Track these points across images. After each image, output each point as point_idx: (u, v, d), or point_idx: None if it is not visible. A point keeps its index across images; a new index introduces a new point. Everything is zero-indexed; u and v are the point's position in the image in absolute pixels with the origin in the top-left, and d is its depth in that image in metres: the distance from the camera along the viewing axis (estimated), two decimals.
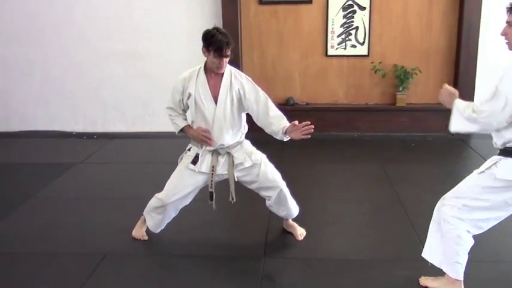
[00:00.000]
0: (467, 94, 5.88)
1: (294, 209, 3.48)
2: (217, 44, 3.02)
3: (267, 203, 3.44)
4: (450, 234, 2.67)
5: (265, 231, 3.63)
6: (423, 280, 2.91)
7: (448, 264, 2.72)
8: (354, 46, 6.03)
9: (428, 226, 3.57)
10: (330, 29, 6.01)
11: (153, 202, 3.40)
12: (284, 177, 3.42)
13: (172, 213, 3.42)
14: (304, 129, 3.09)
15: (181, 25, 6.14)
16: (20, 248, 3.48)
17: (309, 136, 3.08)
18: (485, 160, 5.00)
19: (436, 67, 6.03)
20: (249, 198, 3.91)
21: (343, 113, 6.11)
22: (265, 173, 3.30)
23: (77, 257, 3.33)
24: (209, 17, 6.04)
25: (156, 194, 3.39)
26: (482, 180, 2.66)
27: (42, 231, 3.72)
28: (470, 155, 5.46)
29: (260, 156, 3.35)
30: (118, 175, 4.97)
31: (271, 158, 5.22)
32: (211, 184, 3.26)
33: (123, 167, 5.22)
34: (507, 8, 2.55)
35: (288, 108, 6.10)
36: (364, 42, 6.01)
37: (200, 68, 3.22)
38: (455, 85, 5.96)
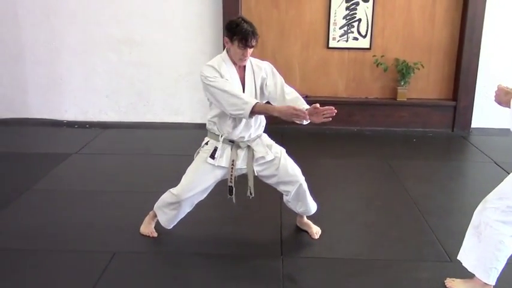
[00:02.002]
0: (468, 91, 5.89)
1: (312, 205, 3.38)
2: (243, 33, 2.88)
3: (285, 198, 3.34)
4: (492, 239, 2.59)
5: (279, 228, 3.52)
6: (449, 283, 2.84)
7: (484, 270, 2.65)
8: (355, 39, 5.93)
9: (444, 225, 3.58)
10: (332, 21, 5.90)
11: (167, 198, 3.25)
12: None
13: (187, 209, 3.28)
14: (326, 113, 2.89)
15: (178, 11, 5.94)
16: (24, 244, 3.30)
17: (330, 119, 2.90)
18: (487, 156, 5.01)
19: (437, 62, 5.99)
20: (259, 194, 3.80)
21: (343, 106, 5.96)
22: (285, 167, 3.18)
23: (85, 254, 3.17)
24: (208, 4, 5.88)
25: (170, 190, 3.23)
26: None
27: (44, 226, 3.54)
28: (472, 151, 5.44)
29: (280, 150, 3.24)
30: (116, 166, 4.79)
31: None
32: (231, 178, 3.13)
33: (120, 158, 5.03)
34: None
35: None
36: (366, 35, 5.91)
37: (222, 57, 3.04)
38: (456, 81, 5.95)
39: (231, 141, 3.12)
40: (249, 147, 3.16)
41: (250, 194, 3.21)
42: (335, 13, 5.87)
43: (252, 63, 3.11)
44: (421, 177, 4.51)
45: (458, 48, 5.90)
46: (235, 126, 3.08)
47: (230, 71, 3.01)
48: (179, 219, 3.33)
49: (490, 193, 2.66)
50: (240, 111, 2.90)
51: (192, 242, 3.35)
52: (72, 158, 4.94)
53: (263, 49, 6.02)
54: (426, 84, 6.02)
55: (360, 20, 5.87)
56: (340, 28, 5.91)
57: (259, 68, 3.11)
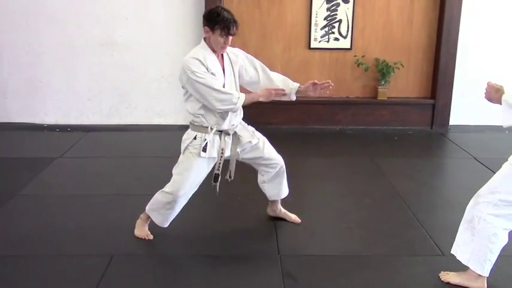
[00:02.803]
0: (446, 90, 6.05)
1: (286, 189, 3.57)
2: (225, 22, 2.96)
3: (261, 179, 3.47)
4: (486, 232, 2.68)
5: (274, 227, 3.56)
6: (444, 276, 2.93)
7: (478, 262, 2.75)
8: (336, 39, 6.03)
9: (433, 220, 3.68)
10: (313, 22, 5.97)
11: (161, 198, 3.24)
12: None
13: (183, 204, 3.28)
14: (323, 86, 3.18)
15: (160, 13, 5.92)
16: (16, 250, 3.25)
17: (328, 92, 3.23)
18: (466, 152, 5.15)
19: (416, 62, 6.13)
20: (250, 193, 3.86)
21: (325, 106, 6.10)
22: (269, 149, 3.38)
23: (82, 258, 3.14)
24: (190, 6, 5.88)
25: (163, 190, 3.23)
26: None
27: (35, 231, 3.49)
28: (452, 148, 5.59)
29: (260, 134, 3.40)
30: (103, 170, 4.75)
31: None
32: (219, 166, 3.19)
33: (106, 162, 4.99)
34: None
35: (270, 101, 6.04)
36: (347, 35, 6.01)
37: (203, 47, 3.08)
38: (434, 81, 6.11)
39: (219, 131, 3.17)
40: (235, 133, 3.23)
41: (230, 177, 3.30)
42: (316, 14, 5.95)
43: (227, 51, 3.17)
44: (405, 174, 4.62)
45: (436, 49, 6.05)
46: (223, 116, 3.12)
47: (213, 62, 3.05)
48: (175, 215, 3.32)
49: (482, 187, 2.75)
50: (229, 106, 3.03)
51: (189, 243, 3.36)
52: (57, 162, 4.87)
53: (245, 50, 5.98)
54: (406, 84, 6.15)
55: (340, 21, 5.97)
56: (322, 29, 5.99)
57: (236, 56, 3.22)
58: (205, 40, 3.09)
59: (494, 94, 2.64)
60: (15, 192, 4.11)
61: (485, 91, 2.70)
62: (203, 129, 3.15)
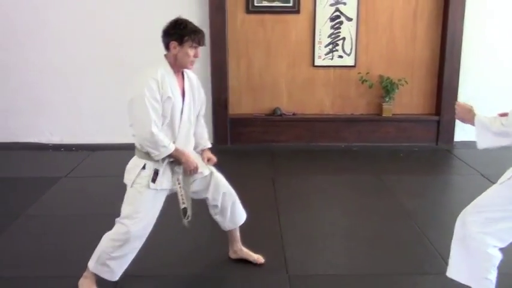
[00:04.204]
0: (450, 105, 6.03)
1: (243, 213, 3.21)
2: (195, 31, 2.75)
3: (215, 211, 3.10)
4: (477, 251, 2.63)
5: (281, 246, 3.52)
6: None
7: (477, 281, 2.69)
8: (340, 57, 6.04)
9: (442, 238, 3.63)
10: (317, 39, 6.00)
11: (108, 244, 2.83)
12: (283, 190, 3.33)
13: (137, 250, 2.86)
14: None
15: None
16: (17, 272, 3.22)
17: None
18: (472, 168, 5.12)
19: (420, 78, 6.13)
20: (257, 211, 3.81)
21: (330, 123, 6.10)
22: (219, 178, 3.08)
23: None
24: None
25: (110, 236, 2.85)
26: (505, 190, 2.65)
27: (37, 252, 3.46)
28: (458, 164, 5.56)
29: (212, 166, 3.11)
30: (107, 189, 4.71)
31: (263, 170, 5.23)
32: (183, 198, 2.86)
33: (111, 181, 4.89)
34: None
35: (275, 118, 6.07)
36: (350, 53, 6.03)
37: (165, 68, 2.79)
38: (438, 96, 6.10)
39: (170, 161, 2.84)
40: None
41: (188, 217, 2.90)
42: (320, 32, 5.97)
43: (187, 72, 2.94)
44: (413, 191, 4.59)
45: (439, 64, 6.06)
46: (174, 142, 2.82)
47: (172, 84, 2.78)
48: (127, 264, 2.88)
49: (468, 206, 2.70)
50: (153, 151, 2.73)
51: (196, 264, 3.33)
52: (62, 182, 4.86)
53: (250, 68, 6.08)
54: (410, 100, 6.15)
55: (344, 39, 5.99)
56: (325, 46, 6.02)
57: (194, 79, 3.00)
58: (166, 58, 2.82)
59: (466, 115, 2.63)
60: (20, 212, 4.09)
61: (456, 111, 2.69)
62: (151, 158, 2.77)
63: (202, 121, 3.14)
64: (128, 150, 5.74)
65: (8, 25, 5.86)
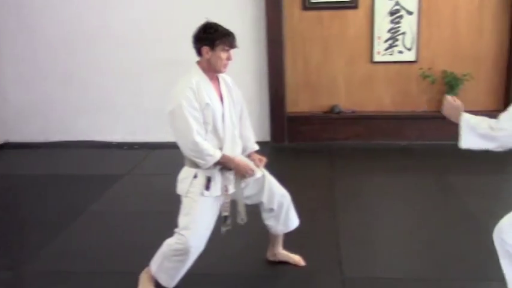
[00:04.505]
0: None
1: (296, 218, 3.14)
2: (226, 34, 2.73)
3: (269, 215, 3.05)
4: None
5: (337, 247, 3.46)
6: None
7: None
8: (401, 52, 5.86)
9: None
10: (376, 35, 5.85)
11: (168, 253, 2.83)
12: (341, 189, 3.26)
13: (195, 257, 2.84)
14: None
15: None
16: (78, 266, 3.36)
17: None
18: None
19: (486, 73, 5.85)
20: (312, 211, 3.77)
21: (390, 120, 5.93)
22: (273, 181, 3.02)
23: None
24: (251, 23, 5.92)
25: (170, 244, 2.83)
26: None
27: (101, 248, 3.60)
28: None
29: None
30: (167, 187, 4.75)
31: (320, 169, 5.17)
32: (226, 207, 2.86)
33: (170, 179, 4.98)
34: None
35: (333, 116, 5.97)
36: (411, 47, 5.84)
37: (197, 74, 2.79)
38: (506, 91, 5.79)
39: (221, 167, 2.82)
40: None
41: (242, 220, 2.93)
42: (379, 27, 5.82)
43: (221, 75, 2.89)
44: (478, 192, 4.38)
45: (507, 58, 5.75)
46: (221, 148, 2.80)
47: (208, 90, 2.75)
48: (184, 271, 2.88)
49: (503, 220, 2.53)
50: (199, 160, 2.72)
51: (247, 263, 3.33)
52: (124, 179, 5.02)
53: (307, 65, 6.02)
54: (476, 95, 5.87)
55: (404, 33, 5.80)
56: (385, 42, 5.86)
57: (229, 80, 2.95)
58: (198, 64, 2.81)
59: (453, 111, 2.55)
60: (84, 208, 4.26)
61: (443, 107, 2.60)
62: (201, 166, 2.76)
63: (247, 123, 3.07)
64: None
65: (74, 30, 6.11)
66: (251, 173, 2.85)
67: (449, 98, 2.60)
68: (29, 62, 6.20)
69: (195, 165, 2.78)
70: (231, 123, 2.88)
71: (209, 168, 2.75)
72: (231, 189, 2.86)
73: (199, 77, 2.76)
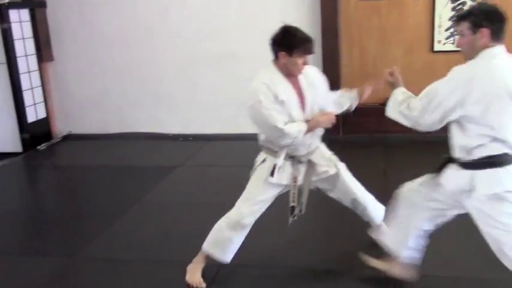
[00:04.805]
0: None
1: (379, 211, 3.20)
2: (305, 41, 2.73)
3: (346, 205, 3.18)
4: None
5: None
6: None
7: None
8: None
9: None
10: (437, 23, 5.60)
11: (223, 227, 3.02)
12: (395, 183, 3.13)
13: (245, 234, 3.03)
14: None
15: (275, 23, 5.90)
16: (132, 255, 3.44)
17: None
18: None
19: None
20: None
21: None
22: (344, 181, 3.06)
23: None
24: (306, 14, 5.83)
25: (225, 218, 3.05)
26: None
27: (153, 237, 3.68)
28: None
29: (339, 162, 3.09)
30: (219, 179, 4.86)
31: (375, 162, 5.02)
32: (294, 197, 2.92)
33: (223, 171, 5.10)
34: (457, 18, 2.50)
35: None
36: None
37: (272, 72, 2.82)
38: None
39: (291, 157, 2.91)
40: (309, 160, 2.95)
41: (300, 211, 2.98)
42: (440, 15, 5.56)
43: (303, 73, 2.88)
44: None
45: None
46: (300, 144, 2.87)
47: (284, 88, 2.78)
48: (237, 247, 3.05)
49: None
50: (289, 140, 2.78)
51: (301, 255, 3.29)
52: (178, 171, 5.09)
53: (363, 55, 5.86)
54: None
55: None
56: (446, 30, 5.59)
57: (310, 71, 2.93)
58: (274, 64, 2.83)
59: (390, 85, 2.72)
60: (138, 198, 4.36)
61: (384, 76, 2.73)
62: (273, 153, 2.91)
63: (333, 95, 3.14)
64: (241, 140, 5.97)
65: (132, 25, 6.25)
66: (331, 118, 2.91)
67: (395, 70, 2.75)
68: (89, 57, 6.41)
69: (267, 151, 2.94)
70: (312, 115, 2.89)
71: (279, 156, 2.85)
72: (300, 181, 2.92)
73: (274, 75, 2.80)
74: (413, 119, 2.54)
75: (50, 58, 6.41)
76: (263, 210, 2.99)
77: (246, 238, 3.36)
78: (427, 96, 2.50)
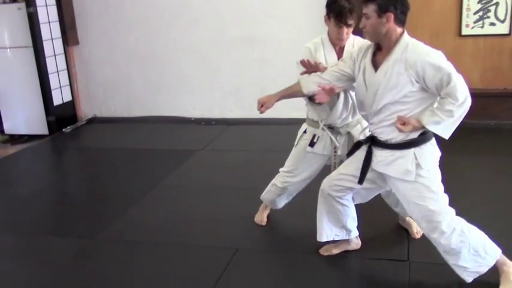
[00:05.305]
0: None
1: None
2: (338, 9, 2.76)
3: (382, 193, 3.15)
4: None
5: (406, 233, 3.29)
6: None
7: None
8: (493, 24, 5.40)
9: None
10: (465, 6, 5.43)
11: (272, 190, 3.37)
12: None
13: (294, 194, 3.36)
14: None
15: (299, 7, 5.87)
16: (150, 237, 3.48)
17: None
18: None
19: None
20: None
21: (477, 98, 5.28)
22: None
23: (208, 250, 3.26)
24: None
25: (274, 182, 3.35)
26: None
27: (170, 220, 3.71)
28: None
29: None
30: (240, 163, 4.87)
31: None
32: (334, 167, 3.04)
33: (243, 155, 5.10)
34: (363, 0, 2.47)
35: None
36: (505, 19, 5.36)
37: (322, 38, 2.97)
38: None
39: (331, 128, 3.03)
40: (349, 133, 3.03)
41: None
42: None
43: (355, 44, 2.91)
44: None
45: None
46: (332, 110, 2.98)
47: (328, 55, 2.91)
48: (286, 202, 3.42)
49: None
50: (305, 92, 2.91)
51: (314, 242, 3.27)
52: (198, 155, 5.12)
53: None
54: None
55: (497, 4, 5.33)
56: (475, 14, 5.42)
57: (357, 44, 2.88)
58: (328, 32, 2.94)
59: (416, 123, 2.48)
60: (158, 182, 4.41)
61: (403, 126, 2.48)
62: (314, 123, 3.08)
63: None
64: (262, 125, 5.96)
65: (155, 9, 6.26)
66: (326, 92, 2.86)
67: (403, 118, 2.55)
68: (113, 41, 6.46)
69: (308, 122, 3.13)
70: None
71: (319, 127, 3.02)
72: (340, 152, 3.05)
73: (321, 43, 2.94)
74: (464, 102, 2.48)
75: (75, 42, 6.49)
76: (307, 180, 3.21)
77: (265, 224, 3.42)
78: (453, 74, 2.52)
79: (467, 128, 5.31)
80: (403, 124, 2.48)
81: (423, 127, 2.47)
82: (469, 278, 2.64)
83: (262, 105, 3.00)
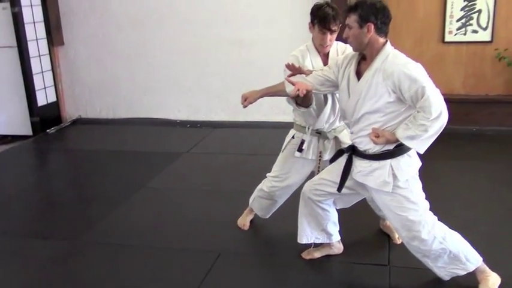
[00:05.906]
0: None
1: None
2: (323, 15, 2.82)
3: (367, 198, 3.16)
4: None
5: (387, 237, 3.34)
6: None
7: None
8: (475, 31, 5.49)
9: None
10: (448, 13, 5.52)
11: (260, 195, 3.37)
12: None
13: (283, 201, 3.36)
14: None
15: (285, 10, 5.92)
16: (133, 240, 3.48)
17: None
18: None
19: None
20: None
21: (460, 104, 5.57)
22: None
23: (191, 253, 3.27)
24: (315, 2, 5.77)
25: (261, 188, 3.35)
26: None
27: (154, 223, 3.71)
28: None
29: None
30: (224, 166, 4.88)
31: None
32: (318, 171, 3.06)
33: (229, 158, 5.12)
34: (345, 11, 2.53)
35: None
36: (487, 27, 5.45)
37: (308, 45, 3.01)
38: None
39: (318, 133, 3.07)
40: (336, 138, 3.08)
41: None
42: (452, 5, 5.48)
43: (338, 50, 2.99)
44: None
45: None
46: (319, 115, 3.01)
47: (314, 61, 2.96)
48: (274, 210, 3.41)
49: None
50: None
51: (298, 246, 3.30)
52: (184, 157, 5.12)
53: None
54: None
55: (480, 11, 5.43)
56: (458, 21, 5.51)
57: (341, 49, 2.99)
58: (312, 38, 2.99)
59: (391, 137, 2.50)
60: (142, 184, 4.40)
61: (377, 139, 2.52)
62: (301, 128, 3.10)
63: None
64: (248, 128, 5.98)
65: (142, 10, 6.25)
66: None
67: (377, 130, 2.57)
68: (100, 41, 6.44)
69: (296, 127, 3.14)
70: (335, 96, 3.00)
71: (306, 132, 3.05)
72: (326, 157, 3.07)
73: (307, 49, 2.99)
74: (438, 118, 2.40)
75: (61, 42, 6.46)
76: (294, 186, 3.23)
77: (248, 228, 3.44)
78: (428, 87, 2.46)
79: (449, 133, 5.39)
80: (377, 136, 2.52)
81: (397, 140, 2.50)
82: (446, 277, 2.70)
83: (246, 100, 3.12)
